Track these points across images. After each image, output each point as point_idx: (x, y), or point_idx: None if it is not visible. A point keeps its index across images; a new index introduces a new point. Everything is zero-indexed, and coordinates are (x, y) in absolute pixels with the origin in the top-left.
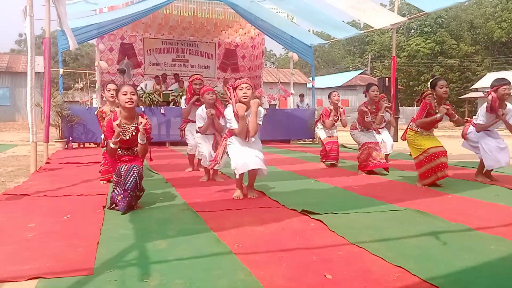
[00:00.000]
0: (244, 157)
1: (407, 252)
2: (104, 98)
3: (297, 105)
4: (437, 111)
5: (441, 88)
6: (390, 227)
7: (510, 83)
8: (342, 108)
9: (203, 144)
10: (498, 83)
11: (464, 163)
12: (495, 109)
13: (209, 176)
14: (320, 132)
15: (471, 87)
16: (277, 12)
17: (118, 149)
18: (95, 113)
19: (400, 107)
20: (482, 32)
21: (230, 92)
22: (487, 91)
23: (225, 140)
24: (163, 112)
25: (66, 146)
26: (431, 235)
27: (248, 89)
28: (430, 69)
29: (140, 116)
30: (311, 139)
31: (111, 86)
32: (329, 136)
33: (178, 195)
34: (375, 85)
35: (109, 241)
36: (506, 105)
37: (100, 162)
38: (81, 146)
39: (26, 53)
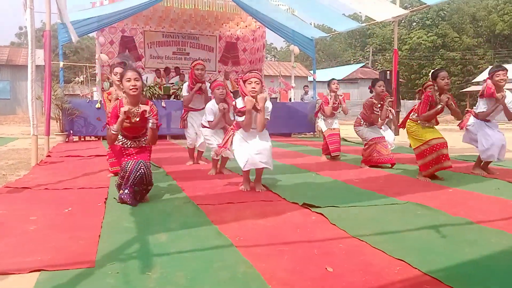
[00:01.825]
0: (250, 153)
1: (408, 245)
2: (105, 87)
3: (301, 98)
4: (439, 102)
5: (442, 79)
6: (391, 221)
7: (505, 69)
8: (341, 95)
9: (212, 137)
10: (493, 70)
11: (465, 157)
12: (489, 95)
13: (217, 169)
14: (321, 123)
15: (473, 81)
16: (278, 5)
17: (125, 140)
18: (101, 97)
19: (401, 100)
20: (485, 25)
21: (239, 85)
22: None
23: (233, 131)
24: (164, 105)
25: (66, 140)
26: (432, 228)
27: (257, 83)
28: (432, 62)
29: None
30: (312, 133)
31: (118, 69)
32: (330, 129)
33: (180, 188)
34: (382, 80)
35: (110, 233)
36: (504, 91)
37: (103, 155)
38: (82, 139)
39: (27, 46)
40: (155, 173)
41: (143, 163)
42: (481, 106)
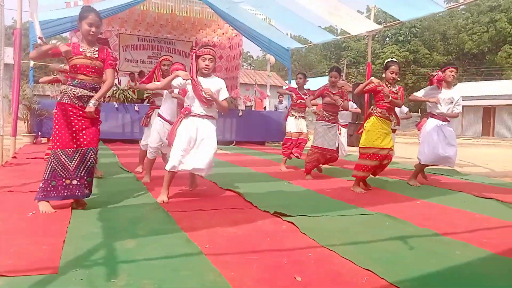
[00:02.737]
0: (182, 154)
1: (376, 256)
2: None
3: (275, 107)
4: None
5: (391, 73)
6: (360, 231)
7: (457, 68)
8: (306, 92)
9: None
10: (447, 66)
11: (432, 170)
12: (438, 82)
13: (150, 175)
14: (289, 124)
15: None
16: (255, 14)
17: (76, 91)
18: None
19: None
20: (454, 43)
21: (191, 59)
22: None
23: (180, 120)
24: (137, 109)
25: (34, 141)
26: (400, 239)
27: (211, 60)
28: (404, 77)
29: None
30: None
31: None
32: (299, 132)
33: (150, 194)
34: (336, 71)
35: (75, 239)
36: (452, 87)
37: None
38: (51, 141)
39: None
40: (125, 177)
41: (92, 151)
42: (420, 92)
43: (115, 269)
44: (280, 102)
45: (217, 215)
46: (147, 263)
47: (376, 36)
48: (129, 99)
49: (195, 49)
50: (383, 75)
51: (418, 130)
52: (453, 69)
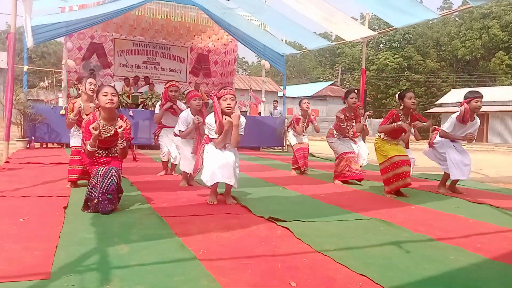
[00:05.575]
0: (217, 167)
1: (371, 261)
2: (72, 93)
3: (270, 113)
4: (402, 122)
5: (409, 99)
6: (355, 236)
7: (482, 96)
8: (313, 115)
9: (183, 147)
10: (472, 95)
11: (427, 175)
12: (466, 120)
13: (187, 180)
14: (291, 138)
15: (436, 102)
16: (250, 20)
17: (97, 150)
18: (66, 105)
19: (368, 119)
20: (447, 49)
21: (213, 101)
22: (460, 102)
23: (203, 146)
24: (132, 114)
25: (28, 146)
26: (394, 244)
27: (232, 100)
28: (398, 83)
29: (119, 118)
30: (280, 147)
31: (92, 80)
32: (299, 143)
33: (143, 199)
34: (354, 92)
35: (68, 244)
36: (475, 117)
37: (65, 163)
38: (44, 146)
39: None
40: None
41: (114, 170)
42: (447, 124)
43: (108, 274)
44: (275, 108)
45: (211, 220)
46: (140, 269)
47: (371, 42)
48: (124, 104)
49: (215, 93)
50: (401, 106)
51: (429, 147)
52: (478, 99)
